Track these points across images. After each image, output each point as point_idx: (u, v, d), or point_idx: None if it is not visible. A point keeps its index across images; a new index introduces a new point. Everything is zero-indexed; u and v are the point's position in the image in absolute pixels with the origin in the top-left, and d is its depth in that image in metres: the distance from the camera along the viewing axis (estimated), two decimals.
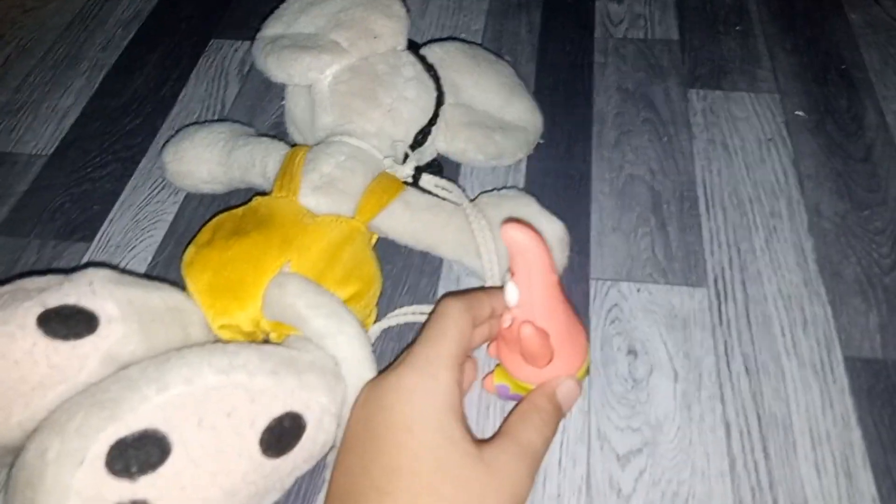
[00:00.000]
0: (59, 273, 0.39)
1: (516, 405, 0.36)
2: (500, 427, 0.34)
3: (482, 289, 0.40)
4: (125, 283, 0.38)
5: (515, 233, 0.32)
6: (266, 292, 0.40)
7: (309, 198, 0.44)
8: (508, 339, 0.36)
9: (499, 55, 0.58)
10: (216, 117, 0.59)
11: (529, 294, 0.34)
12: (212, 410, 0.33)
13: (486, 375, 0.41)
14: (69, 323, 0.35)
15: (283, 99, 0.59)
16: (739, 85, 0.61)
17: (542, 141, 0.55)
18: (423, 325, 0.35)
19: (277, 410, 0.34)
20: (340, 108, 0.48)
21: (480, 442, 0.32)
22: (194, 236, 0.43)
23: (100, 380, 0.35)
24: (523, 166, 0.55)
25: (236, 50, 0.65)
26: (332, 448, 0.37)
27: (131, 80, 0.63)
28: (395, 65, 0.50)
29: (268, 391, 0.34)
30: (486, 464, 0.31)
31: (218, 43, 0.66)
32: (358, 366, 0.37)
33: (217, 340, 0.40)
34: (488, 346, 0.41)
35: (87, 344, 0.35)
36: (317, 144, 0.48)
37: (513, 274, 0.34)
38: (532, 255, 0.32)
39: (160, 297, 0.38)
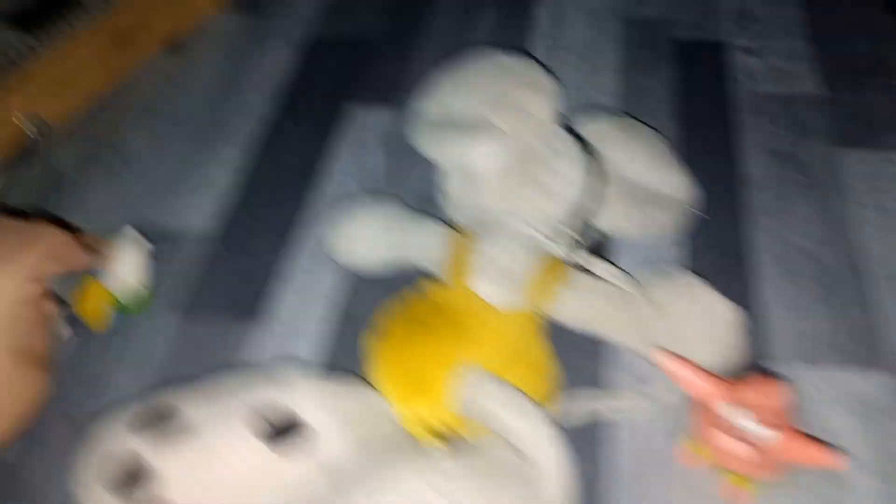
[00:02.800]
0: (252, 366, 0.40)
1: None
2: None
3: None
4: (326, 385, 0.39)
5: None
6: (455, 390, 0.41)
7: (483, 288, 0.45)
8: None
9: (644, 122, 0.57)
10: (366, 190, 0.60)
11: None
12: None
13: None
14: (283, 433, 0.37)
15: (426, 168, 0.61)
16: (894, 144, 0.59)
17: (698, 212, 0.54)
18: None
19: None
20: (503, 192, 0.49)
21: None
22: (372, 324, 0.44)
23: (313, 488, 0.36)
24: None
25: (374, 118, 0.67)
26: None
27: (277, 152, 0.65)
28: (553, 144, 0.50)
29: None
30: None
31: (355, 111, 0.67)
32: (554, 467, 0.38)
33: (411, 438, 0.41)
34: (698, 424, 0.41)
35: (299, 451, 0.36)
36: (481, 228, 0.48)
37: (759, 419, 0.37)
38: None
39: (358, 397, 0.40)
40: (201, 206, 0.61)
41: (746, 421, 0.37)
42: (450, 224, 0.51)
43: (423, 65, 0.71)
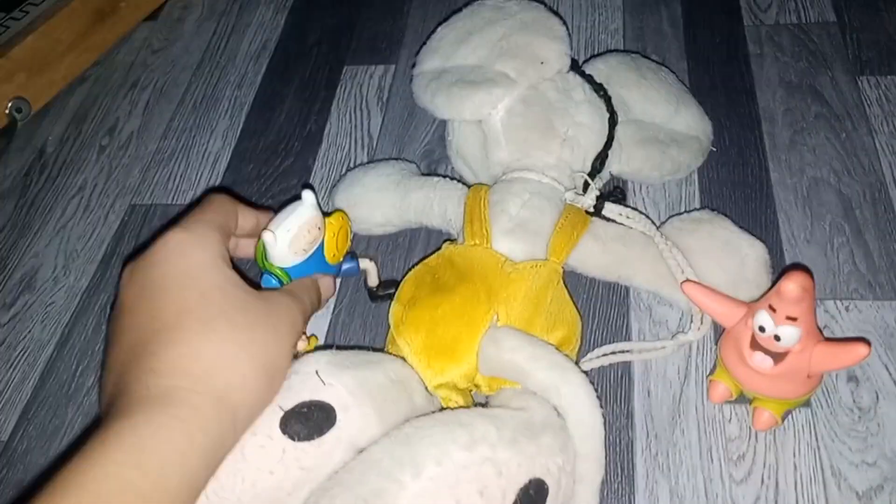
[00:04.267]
0: None
1: None
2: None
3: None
4: (348, 364, 0.37)
5: (804, 280, 0.34)
6: (480, 349, 0.39)
7: (502, 243, 0.43)
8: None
9: (658, 62, 0.55)
10: (365, 150, 0.58)
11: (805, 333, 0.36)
12: (465, 491, 0.32)
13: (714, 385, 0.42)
14: (309, 422, 0.34)
15: (427, 125, 0.59)
16: None
17: (714, 148, 0.52)
18: None
19: (522, 480, 0.34)
20: (516, 142, 0.46)
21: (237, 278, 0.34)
22: (395, 293, 0.43)
23: (345, 468, 0.34)
24: (695, 177, 0.52)
25: (371, 76, 0.64)
26: None
27: (273, 117, 0.62)
28: (565, 89, 0.48)
29: (511, 461, 0.34)
30: (266, 299, 0.34)
31: (351, 70, 0.65)
32: (586, 415, 0.36)
33: (438, 404, 0.40)
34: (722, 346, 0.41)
35: (329, 438, 0.34)
36: (495, 182, 0.46)
37: (794, 319, 0.35)
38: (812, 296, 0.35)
39: (383, 371, 0.38)
40: (194, 179, 0.59)
41: (767, 322, 0.36)
42: (459, 181, 0.49)
43: (418, 18, 0.68)
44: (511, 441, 0.34)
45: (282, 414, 0.34)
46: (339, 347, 0.39)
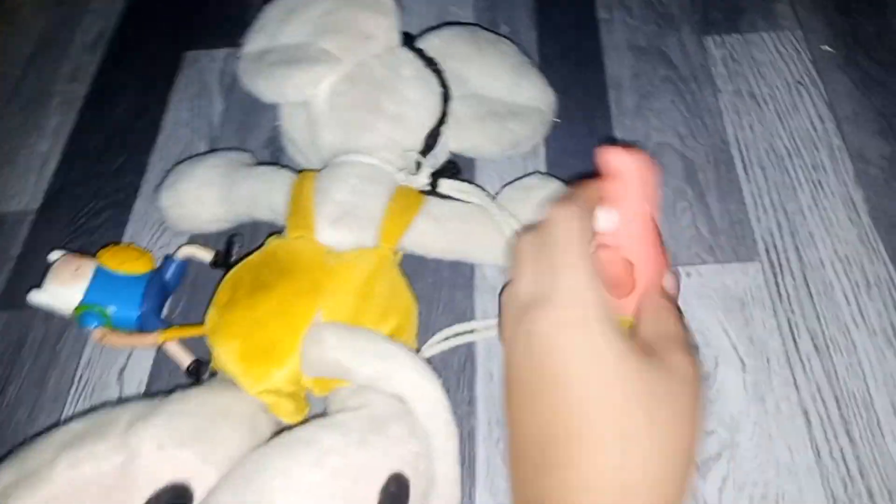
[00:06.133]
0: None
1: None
2: (639, 333, 0.30)
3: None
4: (193, 432, 0.34)
5: (618, 156, 0.29)
6: (303, 349, 0.37)
7: (328, 234, 0.41)
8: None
9: (498, 34, 0.53)
10: (206, 140, 0.55)
11: (623, 222, 0.31)
12: None
13: None
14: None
15: (274, 109, 0.55)
16: (758, 25, 0.56)
17: (558, 120, 0.51)
18: (539, 231, 0.29)
19: (382, 477, 0.32)
20: (343, 124, 0.44)
21: (639, 350, 0.29)
22: (212, 295, 0.40)
23: None
24: (541, 150, 0.51)
25: (213, 60, 0.60)
26: None
27: (109, 110, 0.58)
28: (394, 65, 0.46)
29: (366, 464, 0.32)
30: (668, 370, 0.29)
31: (193, 55, 0.61)
32: (424, 392, 0.35)
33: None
34: None
35: None
36: (323, 167, 0.44)
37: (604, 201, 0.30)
38: (632, 179, 0.30)
39: (229, 426, 0.35)
40: (21, 183, 0.55)
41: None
42: (294, 169, 0.47)
43: None
44: (360, 442, 0.33)
45: None
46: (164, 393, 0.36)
